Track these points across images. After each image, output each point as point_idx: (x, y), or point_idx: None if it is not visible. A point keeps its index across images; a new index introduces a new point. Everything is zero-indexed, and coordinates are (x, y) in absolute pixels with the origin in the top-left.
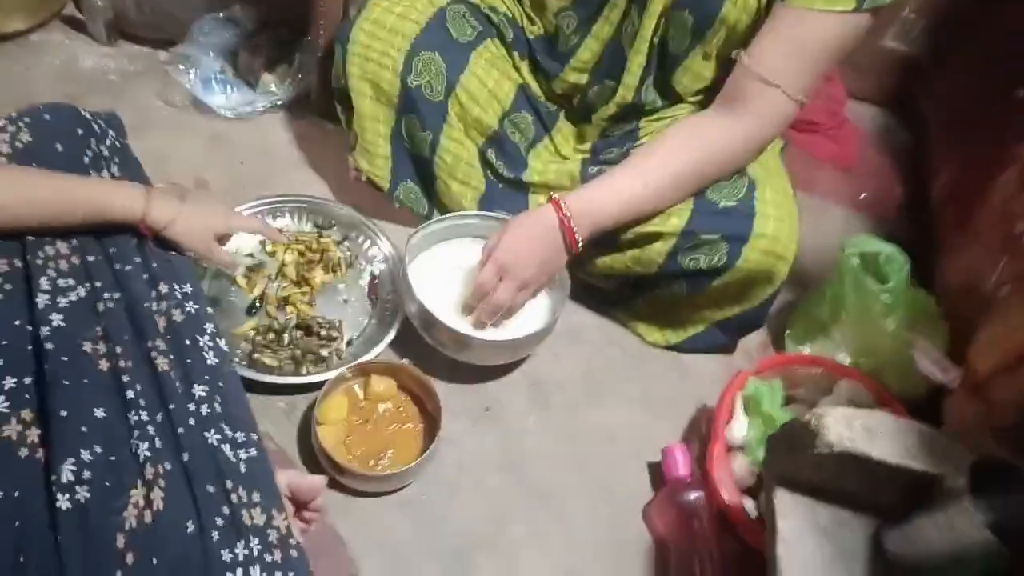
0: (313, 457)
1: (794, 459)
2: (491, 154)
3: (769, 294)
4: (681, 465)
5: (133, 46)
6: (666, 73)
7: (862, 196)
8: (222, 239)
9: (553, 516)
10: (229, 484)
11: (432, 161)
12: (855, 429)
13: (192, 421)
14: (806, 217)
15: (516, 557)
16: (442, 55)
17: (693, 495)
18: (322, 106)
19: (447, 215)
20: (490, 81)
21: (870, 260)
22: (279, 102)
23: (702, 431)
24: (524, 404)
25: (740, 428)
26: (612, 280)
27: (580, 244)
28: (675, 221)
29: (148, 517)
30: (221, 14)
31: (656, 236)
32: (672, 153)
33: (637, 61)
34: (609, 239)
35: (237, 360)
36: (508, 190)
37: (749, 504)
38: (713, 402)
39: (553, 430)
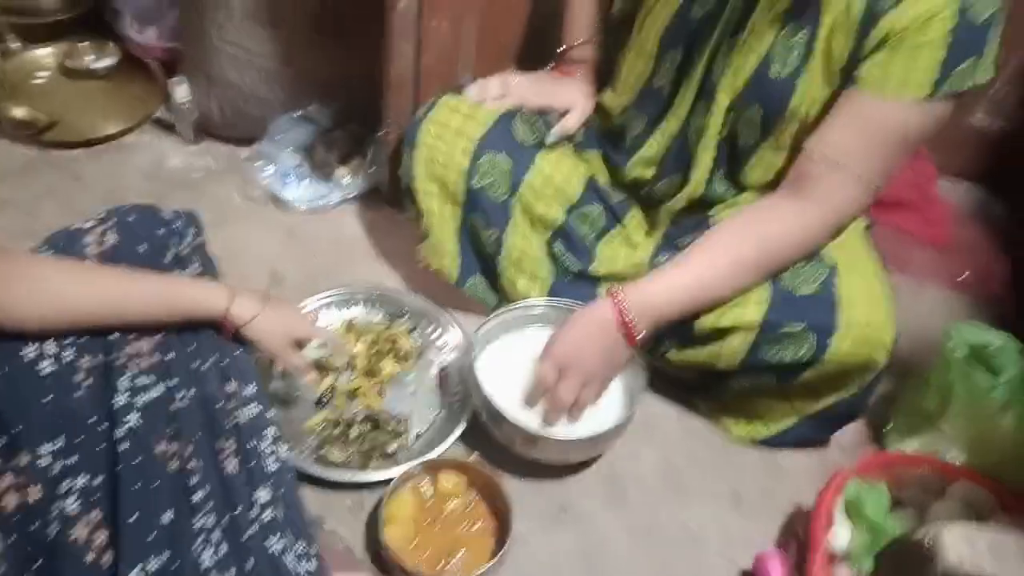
0: (381, 556)
1: None
2: (558, 247)
3: (867, 382)
4: (778, 574)
5: (217, 144)
6: (736, 166)
7: (963, 276)
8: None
9: None
10: None
11: (497, 258)
12: (979, 550)
13: (256, 528)
14: (901, 299)
15: None
16: (507, 155)
17: None
18: (393, 198)
19: (516, 304)
20: (557, 177)
21: (979, 350)
22: (352, 195)
23: (798, 535)
24: (601, 503)
25: (842, 535)
26: (692, 371)
27: (640, 338)
28: (752, 313)
29: None
30: (298, 113)
31: (733, 330)
32: (733, 242)
33: (705, 158)
34: (683, 334)
35: (304, 454)
36: (576, 282)
37: None
38: (808, 501)
39: (633, 531)
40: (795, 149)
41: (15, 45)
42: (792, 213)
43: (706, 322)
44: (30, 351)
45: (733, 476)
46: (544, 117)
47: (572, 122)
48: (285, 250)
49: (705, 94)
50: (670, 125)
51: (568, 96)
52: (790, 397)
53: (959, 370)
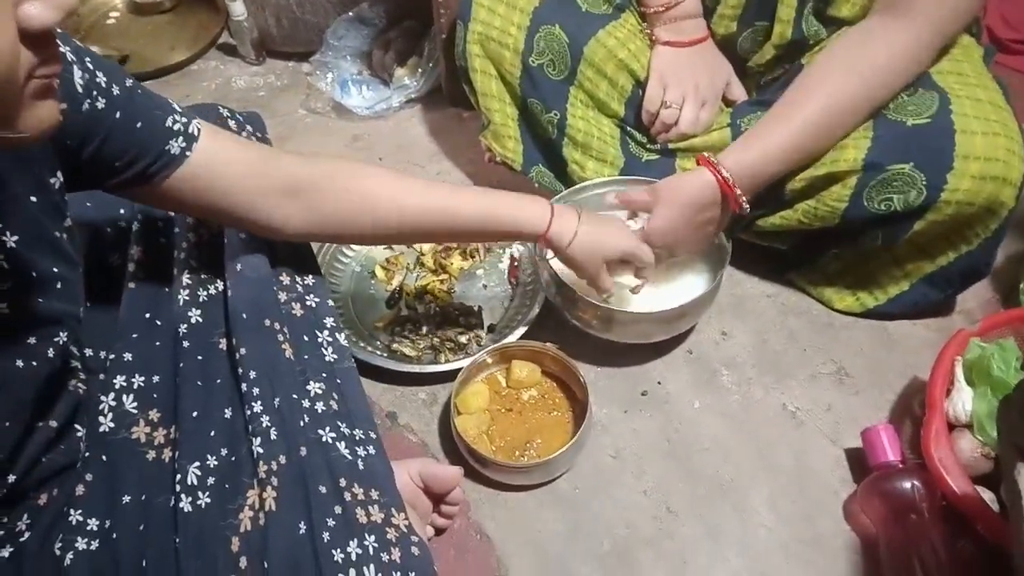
0: (456, 449)
1: None
2: (629, 121)
3: (992, 231)
4: (889, 448)
5: (279, 62)
6: None
7: None
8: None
9: (730, 512)
10: (343, 482)
11: (561, 143)
12: None
13: (307, 418)
14: None
15: (687, 558)
16: (564, 28)
17: (907, 483)
18: (453, 94)
19: (586, 183)
20: (622, 52)
21: None
22: (413, 96)
23: (914, 410)
24: (687, 386)
25: (964, 400)
26: (786, 238)
27: (745, 205)
28: (852, 154)
29: (261, 519)
30: (351, 13)
31: (831, 179)
32: (827, 80)
33: None
34: (773, 196)
35: (377, 352)
36: (652, 158)
37: (987, 495)
38: (926, 375)
39: (724, 414)
40: None
41: None
42: (888, 35)
43: (797, 177)
44: None
45: (838, 352)
46: None
47: (740, 92)
48: (351, 156)
49: None
50: None
51: (723, 72)
52: (902, 257)
53: None
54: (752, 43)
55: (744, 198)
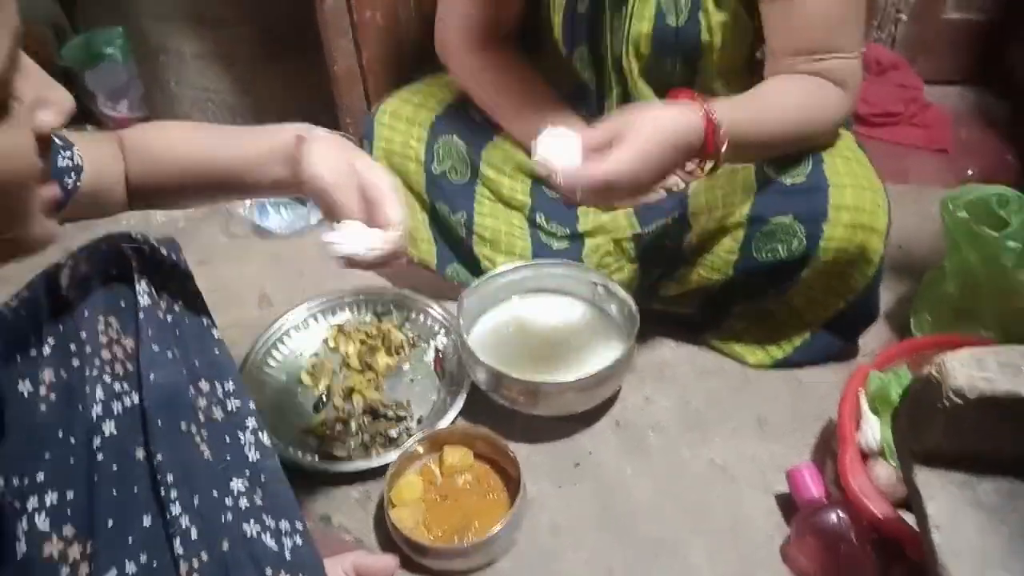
0: (393, 543)
1: (925, 426)
2: (539, 217)
3: (871, 277)
4: (812, 485)
5: None
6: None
7: (969, 172)
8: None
9: (675, 570)
10: (270, 571)
11: (471, 241)
12: (990, 367)
13: (229, 515)
14: (906, 204)
15: None
16: (460, 136)
17: (833, 515)
18: None
19: (497, 270)
20: (520, 155)
21: (980, 209)
22: None
23: (832, 448)
24: (617, 454)
25: (873, 430)
26: (691, 301)
27: (721, 159)
28: (738, 209)
29: None
30: None
31: (722, 231)
32: (794, 94)
33: None
34: (674, 253)
35: (307, 455)
36: (561, 246)
37: (910, 518)
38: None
39: (656, 477)
40: (722, 75)
41: None
42: (833, 95)
43: (695, 230)
44: None
45: (756, 404)
46: None
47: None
48: (272, 274)
49: (627, 71)
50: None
51: None
52: (797, 309)
53: (964, 231)
54: None
55: (720, 153)
